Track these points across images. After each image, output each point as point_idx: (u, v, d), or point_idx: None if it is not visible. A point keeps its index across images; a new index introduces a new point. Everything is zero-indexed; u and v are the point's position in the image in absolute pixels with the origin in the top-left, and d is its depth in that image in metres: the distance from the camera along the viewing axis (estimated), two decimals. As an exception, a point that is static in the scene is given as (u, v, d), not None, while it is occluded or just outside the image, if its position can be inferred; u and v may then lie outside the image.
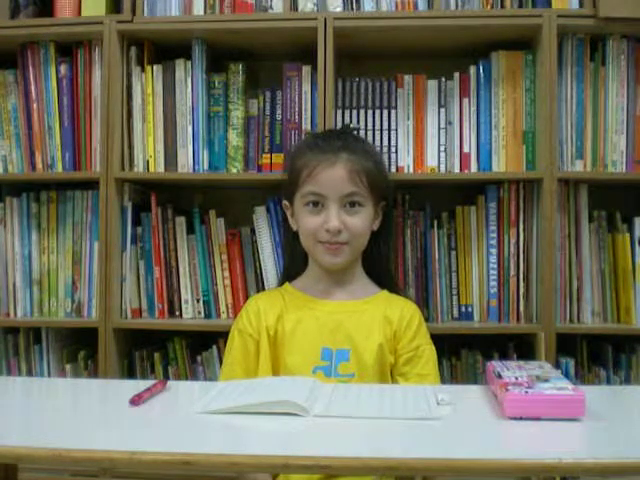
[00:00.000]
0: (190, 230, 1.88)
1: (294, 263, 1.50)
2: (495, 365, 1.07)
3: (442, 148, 1.81)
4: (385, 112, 1.81)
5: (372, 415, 0.92)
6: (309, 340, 1.35)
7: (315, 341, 1.35)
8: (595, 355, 1.83)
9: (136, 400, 0.98)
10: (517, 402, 0.90)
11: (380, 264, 1.50)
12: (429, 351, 1.39)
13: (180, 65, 1.84)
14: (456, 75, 1.82)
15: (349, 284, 1.43)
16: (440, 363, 1.68)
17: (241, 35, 1.81)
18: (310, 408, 0.93)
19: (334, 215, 1.33)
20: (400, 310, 1.41)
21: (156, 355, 1.86)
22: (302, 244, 1.42)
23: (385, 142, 1.80)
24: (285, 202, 1.47)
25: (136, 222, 1.86)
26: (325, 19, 1.74)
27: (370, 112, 1.81)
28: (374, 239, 1.45)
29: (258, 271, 1.85)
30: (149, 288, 1.86)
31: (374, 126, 1.81)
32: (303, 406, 0.92)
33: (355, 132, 1.59)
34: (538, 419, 0.89)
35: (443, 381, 1.69)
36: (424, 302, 1.80)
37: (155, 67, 1.85)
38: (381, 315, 1.39)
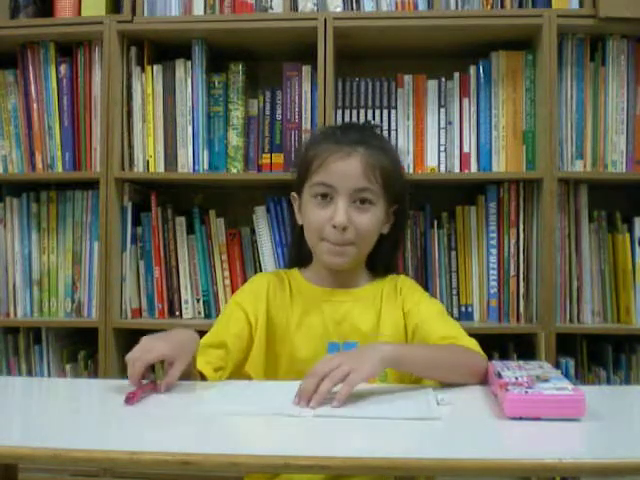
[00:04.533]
0: (190, 230, 1.88)
1: (300, 256, 1.41)
2: (495, 365, 1.07)
3: (442, 148, 1.81)
4: (385, 112, 1.82)
5: (372, 415, 0.92)
6: (315, 335, 1.29)
7: (321, 336, 1.29)
8: (595, 355, 1.83)
9: (131, 399, 0.98)
10: (517, 402, 0.90)
11: (385, 272, 1.40)
12: (440, 315, 1.31)
13: (180, 65, 1.84)
14: (456, 75, 1.82)
15: (353, 288, 1.35)
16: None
17: (241, 35, 1.81)
18: (307, 413, 0.92)
19: (342, 209, 1.24)
20: (394, 286, 1.35)
21: (156, 355, 1.86)
22: (306, 239, 1.33)
23: (385, 142, 1.80)
24: (293, 194, 1.37)
25: (136, 222, 1.86)
26: (325, 19, 1.74)
27: (370, 112, 1.81)
28: (382, 243, 1.35)
29: (258, 271, 1.85)
30: (149, 288, 1.86)
31: (374, 126, 1.81)
32: (297, 415, 0.92)
33: (376, 129, 1.51)
34: (538, 419, 0.89)
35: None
36: (424, 302, 1.80)
37: (155, 67, 1.85)
38: (381, 299, 1.33)
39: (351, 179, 1.25)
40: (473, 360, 1.15)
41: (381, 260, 1.39)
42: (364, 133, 1.33)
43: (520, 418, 0.89)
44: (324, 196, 1.27)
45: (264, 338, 1.30)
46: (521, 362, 1.10)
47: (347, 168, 1.25)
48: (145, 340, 1.08)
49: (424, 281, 1.81)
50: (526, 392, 0.91)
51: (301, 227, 1.36)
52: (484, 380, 1.11)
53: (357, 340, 1.29)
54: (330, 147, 1.28)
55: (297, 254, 1.42)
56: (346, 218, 1.24)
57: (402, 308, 1.32)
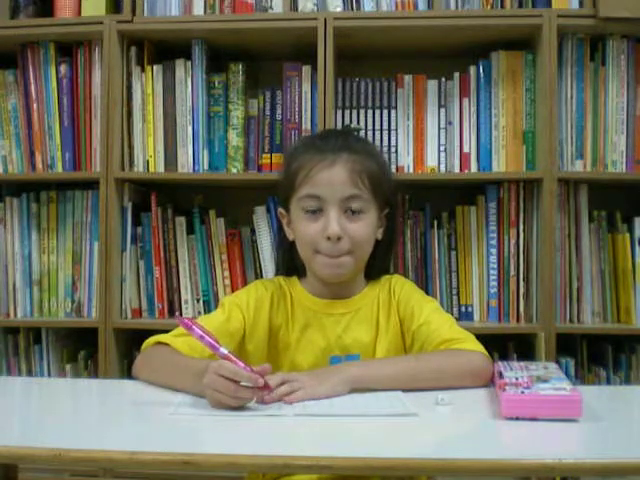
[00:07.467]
0: (190, 230, 1.88)
1: (292, 269, 1.36)
2: (499, 365, 1.07)
3: (442, 148, 1.81)
4: (385, 112, 1.82)
5: (348, 412, 0.93)
6: (317, 350, 1.27)
7: (323, 350, 1.26)
8: (595, 355, 1.83)
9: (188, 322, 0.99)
10: (513, 402, 0.90)
11: (379, 274, 1.36)
12: (436, 314, 1.27)
13: (180, 65, 1.84)
14: (456, 75, 1.82)
15: (351, 297, 1.30)
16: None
17: (241, 35, 1.81)
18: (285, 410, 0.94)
19: (334, 220, 1.19)
20: (388, 289, 1.32)
21: (156, 355, 1.86)
22: (300, 255, 1.27)
23: (385, 142, 1.80)
24: (280, 210, 1.32)
25: (136, 222, 1.86)
26: (325, 19, 1.74)
27: (370, 112, 1.81)
28: (376, 249, 1.30)
29: (258, 271, 1.85)
30: (149, 288, 1.86)
31: (374, 126, 1.81)
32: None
33: (357, 133, 1.51)
34: (534, 419, 0.89)
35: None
36: (424, 302, 1.80)
37: (155, 67, 1.85)
38: (378, 307, 1.30)
39: (339, 187, 1.21)
40: (466, 364, 1.14)
41: (377, 266, 1.34)
42: (346, 138, 1.28)
43: (517, 418, 0.89)
44: (313, 210, 1.22)
45: (266, 349, 1.28)
46: (527, 363, 1.09)
47: (333, 176, 1.21)
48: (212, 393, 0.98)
49: (424, 281, 1.81)
50: (522, 392, 0.91)
51: (290, 244, 1.31)
52: (489, 379, 1.11)
53: (358, 352, 1.27)
54: (313, 157, 1.23)
55: (288, 267, 1.36)
56: (339, 228, 1.19)
57: (397, 313, 1.30)
